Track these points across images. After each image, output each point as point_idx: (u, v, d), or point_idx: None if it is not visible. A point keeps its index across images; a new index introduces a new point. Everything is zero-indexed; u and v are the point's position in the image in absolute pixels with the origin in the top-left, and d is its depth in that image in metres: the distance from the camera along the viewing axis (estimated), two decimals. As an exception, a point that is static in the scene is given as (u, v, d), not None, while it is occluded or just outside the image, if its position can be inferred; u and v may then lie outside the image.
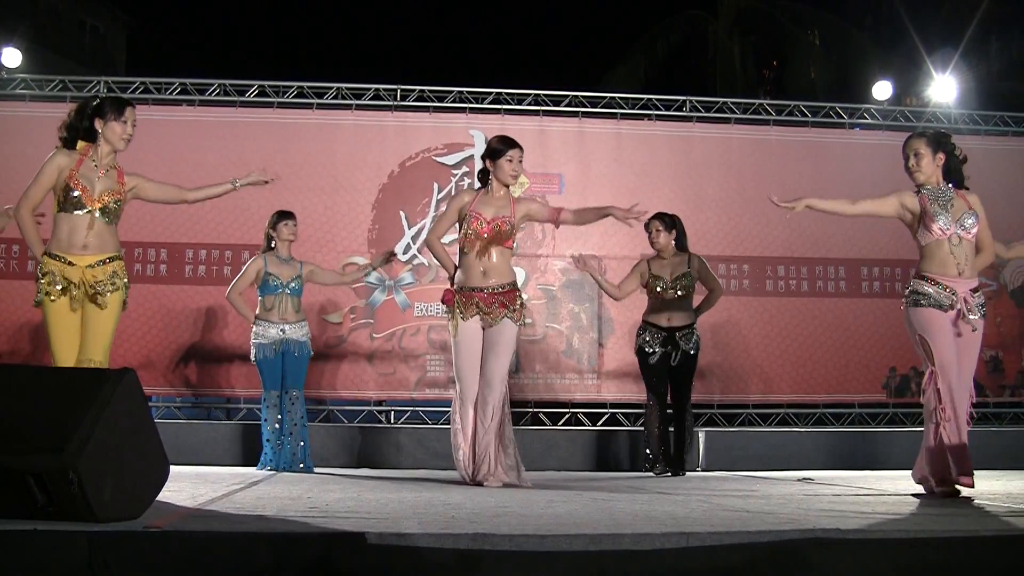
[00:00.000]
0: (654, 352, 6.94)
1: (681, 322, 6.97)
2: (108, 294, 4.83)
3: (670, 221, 7.09)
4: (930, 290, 4.95)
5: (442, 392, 8.37)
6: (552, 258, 8.81)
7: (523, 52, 32.33)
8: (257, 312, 7.05)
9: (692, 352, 6.97)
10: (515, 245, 5.71)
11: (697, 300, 7.21)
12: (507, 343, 5.43)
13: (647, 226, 7.05)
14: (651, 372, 6.99)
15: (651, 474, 6.89)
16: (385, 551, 2.69)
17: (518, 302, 5.49)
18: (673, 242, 7.08)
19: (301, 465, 6.90)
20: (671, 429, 6.97)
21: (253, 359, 7.05)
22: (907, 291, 5.07)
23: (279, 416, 6.96)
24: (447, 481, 5.47)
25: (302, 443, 6.97)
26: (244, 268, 7.14)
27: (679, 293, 6.97)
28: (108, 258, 4.89)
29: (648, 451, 6.99)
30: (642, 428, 7.25)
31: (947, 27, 19.13)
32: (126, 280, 4.97)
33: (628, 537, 2.79)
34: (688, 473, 7.11)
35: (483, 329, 5.47)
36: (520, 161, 5.54)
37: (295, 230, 7.17)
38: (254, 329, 7.04)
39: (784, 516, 3.49)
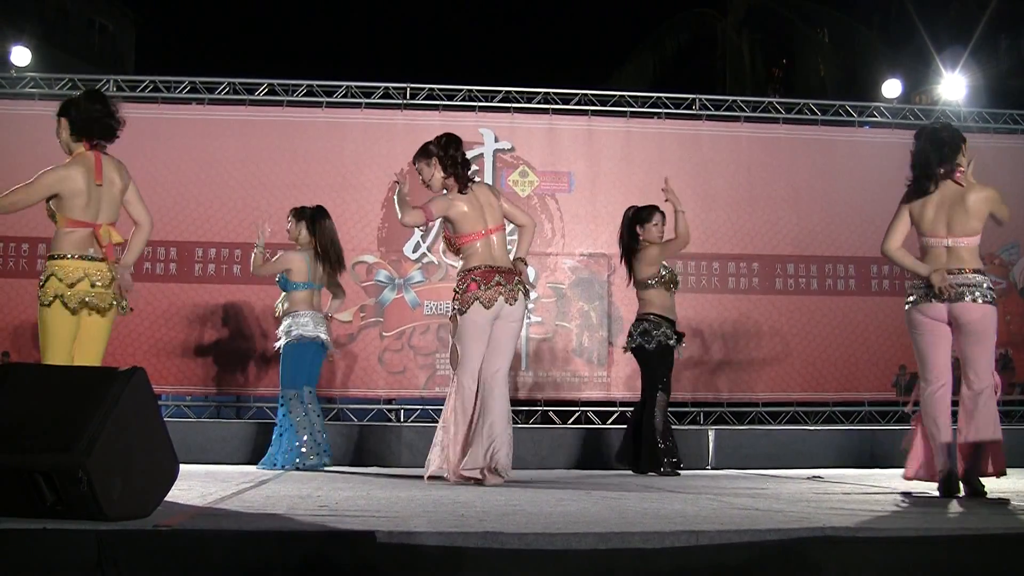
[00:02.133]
0: (674, 346, 6.71)
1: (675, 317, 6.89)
2: None
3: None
4: None
5: (451, 390, 8.36)
6: (562, 256, 8.80)
7: (532, 51, 32.37)
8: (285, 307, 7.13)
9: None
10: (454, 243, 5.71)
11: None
12: (453, 334, 5.56)
13: (649, 217, 6.73)
14: (668, 366, 6.69)
15: (671, 475, 6.36)
16: (395, 550, 2.69)
17: (455, 293, 5.51)
18: None
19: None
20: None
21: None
22: (990, 287, 4.88)
23: (289, 412, 6.95)
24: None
25: (324, 435, 6.99)
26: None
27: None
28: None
29: (661, 449, 6.48)
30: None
31: (956, 25, 19.13)
32: (44, 282, 4.82)
33: (637, 535, 2.78)
34: (697, 471, 7.05)
35: None
36: (419, 170, 5.92)
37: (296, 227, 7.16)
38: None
39: (794, 514, 3.48)
